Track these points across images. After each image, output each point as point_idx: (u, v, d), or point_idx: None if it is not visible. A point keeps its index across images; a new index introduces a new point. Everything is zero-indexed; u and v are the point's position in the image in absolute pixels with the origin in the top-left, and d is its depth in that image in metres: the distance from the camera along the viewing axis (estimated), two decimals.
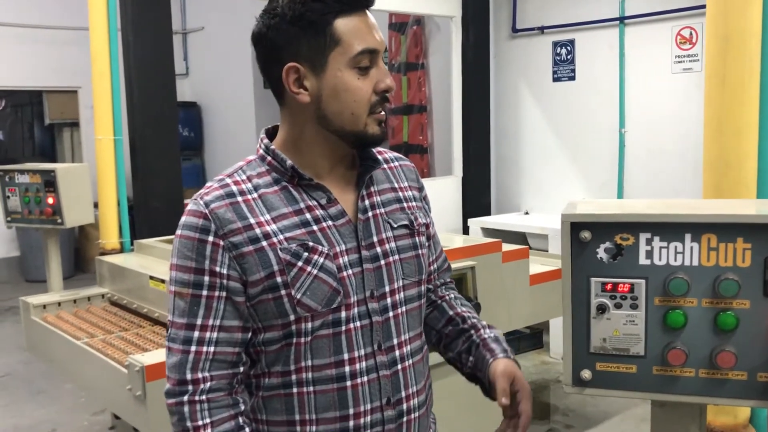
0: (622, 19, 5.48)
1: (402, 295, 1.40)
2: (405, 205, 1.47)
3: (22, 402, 4.84)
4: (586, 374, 1.26)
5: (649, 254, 1.20)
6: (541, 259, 4.09)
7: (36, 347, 3.53)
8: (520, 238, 5.47)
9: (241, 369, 1.35)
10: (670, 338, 1.21)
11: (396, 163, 1.52)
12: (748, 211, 1.19)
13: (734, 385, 1.19)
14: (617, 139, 5.60)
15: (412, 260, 1.42)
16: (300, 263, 1.30)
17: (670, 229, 1.19)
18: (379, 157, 1.46)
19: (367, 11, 1.32)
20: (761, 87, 1.51)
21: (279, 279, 1.29)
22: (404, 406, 1.39)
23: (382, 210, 1.42)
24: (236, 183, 1.35)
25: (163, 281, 3.17)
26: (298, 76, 1.31)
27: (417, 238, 1.45)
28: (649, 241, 1.20)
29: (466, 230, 5.95)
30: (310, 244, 1.31)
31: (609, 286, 1.22)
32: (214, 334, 1.31)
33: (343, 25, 1.28)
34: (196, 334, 1.30)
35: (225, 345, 1.31)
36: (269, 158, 1.37)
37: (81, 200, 3.91)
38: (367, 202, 1.40)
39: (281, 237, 1.30)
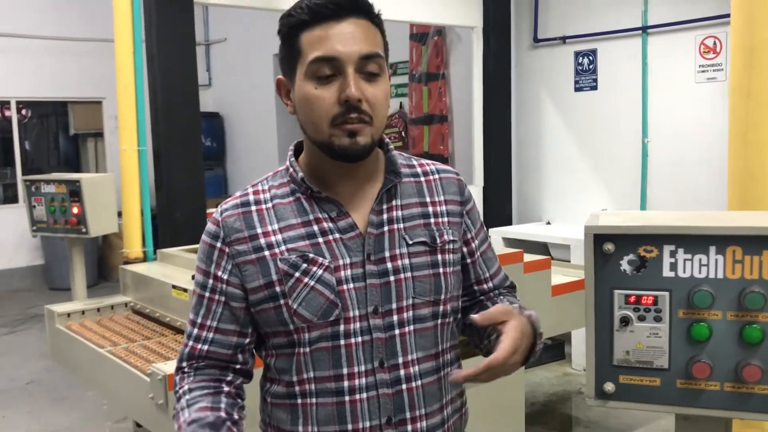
0: (644, 29, 5.45)
1: (411, 313, 1.37)
2: (432, 220, 1.42)
3: (46, 409, 4.89)
4: (609, 387, 1.25)
5: (673, 266, 1.19)
6: (563, 270, 4.07)
7: (60, 355, 3.56)
8: (541, 248, 5.44)
9: (238, 366, 1.41)
10: (694, 351, 1.20)
11: (436, 176, 1.48)
12: None
13: (760, 399, 1.18)
14: (640, 149, 5.57)
15: (427, 279, 1.38)
16: (297, 274, 1.32)
17: (695, 242, 1.18)
18: (408, 170, 1.45)
19: (348, 22, 1.29)
20: None
21: (278, 288, 1.33)
22: (408, 427, 1.36)
23: (401, 225, 1.39)
24: (256, 192, 1.41)
25: (185, 290, 3.19)
26: (288, 88, 1.37)
27: (439, 256, 1.40)
28: (673, 254, 1.19)
29: None
30: (311, 255, 1.32)
31: (632, 299, 1.22)
32: (210, 334, 1.38)
33: (306, 36, 1.30)
34: (196, 331, 1.39)
35: (218, 345, 1.38)
36: (291, 170, 1.40)
37: (105, 210, 3.95)
38: (384, 216, 1.38)
39: (283, 248, 1.33)
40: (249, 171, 9.44)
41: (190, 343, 1.40)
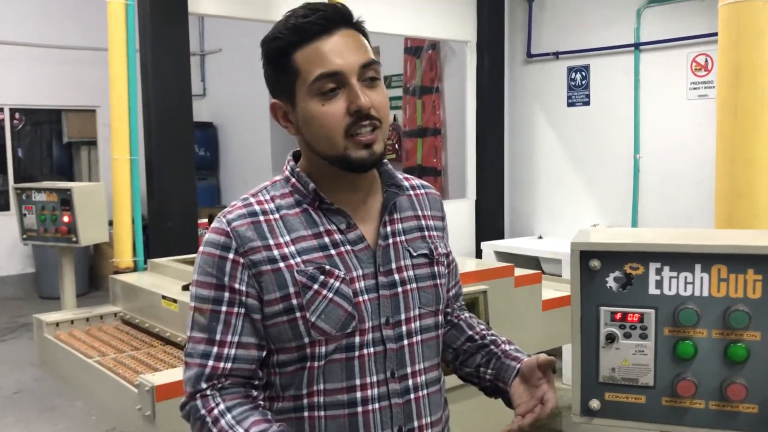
0: (637, 45, 5.49)
1: (418, 323, 1.39)
2: (426, 234, 1.46)
3: (33, 419, 4.86)
4: (594, 404, 1.25)
5: (659, 284, 1.20)
6: (554, 284, 4.07)
7: (48, 364, 3.54)
8: (533, 262, 5.45)
9: (256, 382, 1.36)
10: (679, 369, 1.20)
11: (422, 191, 1.52)
12: (759, 242, 1.18)
13: (745, 417, 1.18)
14: (632, 164, 5.59)
15: (430, 289, 1.42)
16: (316, 286, 1.30)
17: (680, 259, 1.18)
18: (405, 183, 1.48)
19: (339, 35, 1.29)
20: None
21: (294, 301, 1.30)
22: None
23: (403, 237, 1.41)
24: (259, 203, 1.37)
25: (175, 301, 3.18)
26: (285, 111, 1.36)
27: (436, 268, 1.44)
28: (659, 271, 1.19)
29: (479, 254, 5.94)
30: (327, 267, 1.31)
31: (618, 316, 1.22)
32: (232, 351, 1.31)
33: (301, 56, 1.29)
34: (215, 349, 1.31)
35: (242, 362, 1.32)
36: (293, 180, 1.39)
37: (96, 219, 3.94)
38: (389, 228, 1.40)
39: (299, 259, 1.31)
40: (242, 181, 9.44)
41: (210, 362, 1.30)
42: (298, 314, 1.30)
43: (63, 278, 4.05)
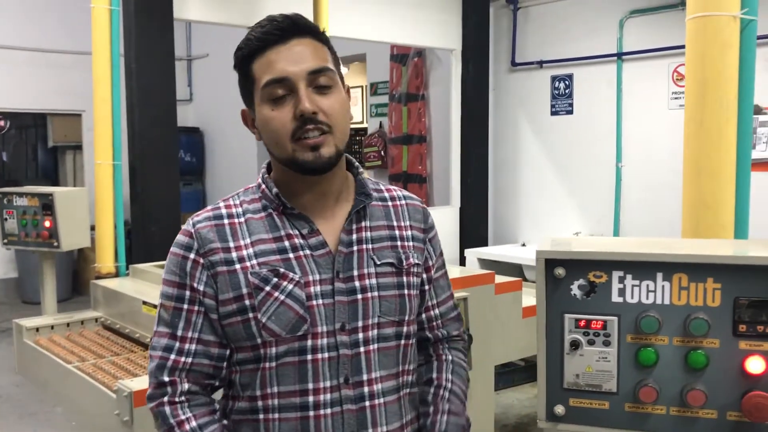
0: (620, 55, 5.55)
1: (376, 332, 1.39)
2: (399, 243, 1.46)
3: (13, 425, 4.82)
4: (559, 410, 1.27)
5: (622, 292, 1.22)
6: (534, 292, 4.09)
7: (27, 370, 3.52)
8: (516, 269, 5.48)
9: (217, 383, 1.42)
10: (641, 375, 1.22)
11: (402, 202, 1.53)
12: (720, 251, 1.21)
13: (705, 423, 1.20)
14: (614, 173, 5.64)
15: (392, 299, 1.41)
16: (268, 288, 1.34)
17: (642, 268, 1.20)
18: (376, 194, 1.49)
19: (293, 43, 1.35)
20: (738, 131, 1.54)
21: (247, 302, 1.34)
22: None
23: (370, 246, 1.42)
24: (228, 207, 1.43)
25: (155, 306, 3.17)
26: (252, 117, 1.42)
27: (405, 278, 1.44)
28: (621, 279, 1.22)
29: (462, 261, 5.96)
30: (281, 270, 1.35)
31: (582, 323, 1.24)
32: (193, 346, 1.38)
33: (257, 64, 1.36)
34: (177, 344, 1.38)
35: (202, 357, 1.38)
36: (263, 186, 1.43)
37: (78, 224, 3.93)
38: (354, 236, 1.41)
39: (254, 261, 1.35)
40: (228, 187, 9.41)
41: (172, 356, 1.37)
42: (250, 315, 1.34)
43: (44, 283, 4.04)
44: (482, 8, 6.20)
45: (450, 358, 1.59)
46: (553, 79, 6.03)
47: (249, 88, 1.39)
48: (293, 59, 1.34)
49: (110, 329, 3.58)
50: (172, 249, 1.41)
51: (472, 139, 6.24)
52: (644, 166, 5.50)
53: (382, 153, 7.44)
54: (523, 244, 6.24)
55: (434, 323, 1.57)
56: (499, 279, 3.51)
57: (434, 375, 1.56)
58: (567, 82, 5.95)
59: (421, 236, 1.51)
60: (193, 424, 1.35)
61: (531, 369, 5.58)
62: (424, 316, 1.56)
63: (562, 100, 5.99)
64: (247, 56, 1.37)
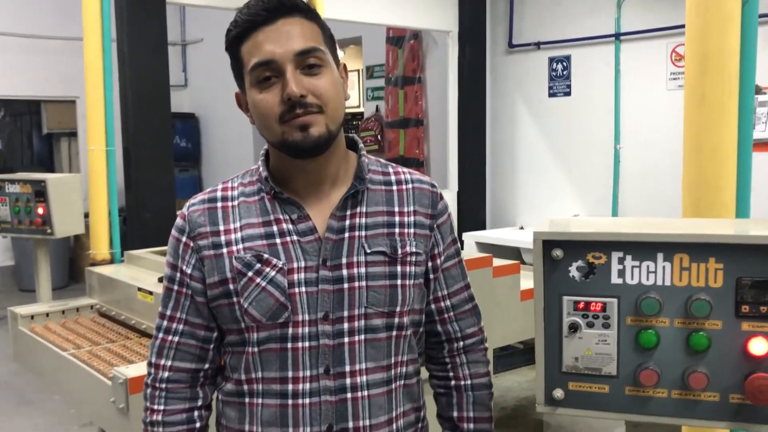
0: (617, 36, 5.50)
1: (362, 323, 1.34)
2: (396, 230, 1.39)
3: (11, 413, 4.82)
4: (558, 393, 1.24)
5: (621, 273, 1.19)
6: (532, 274, 4.08)
7: (23, 358, 3.51)
8: (514, 252, 5.46)
9: (206, 366, 1.42)
10: (642, 358, 1.20)
11: (410, 186, 1.45)
12: (722, 231, 1.18)
13: (707, 406, 1.18)
14: (612, 155, 5.61)
15: (382, 289, 1.35)
16: (250, 273, 1.33)
17: (642, 248, 1.17)
18: (382, 177, 1.43)
19: (280, 23, 1.31)
20: (740, 107, 1.50)
21: (231, 286, 1.34)
22: None
23: (363, 233, 1.37)
24: (225, 189, 1.43)
25: (151, 293, 3.16)
26: (245, 100, 1.39)
27: (399, 267, 1.37)
28: (621, 260, 1.18)
29: (460, 244, 5.94)
30: (265, 256, 1.33)
31: (581, 305, 1.21)
32: (180, 326, 1.40)
33: (245, 47, 1.33)
34: (165, 323, 1.42)
35: (188, 337, 1.40)
36: (260, 169, 1.41)
37: (71, 210, 3.90)
38: (347, 222, 1.36)
39: (240, 246, 1.34)
40: (224, 172, 9.34)
41: (161, 335, 1.42)
42: (234, 299, 1.34)
43: (38, 270, 4.01)
44: None
45: (470, 382, 1.52)
46: (551, 60, 5.98)
47: (239, 70, 1.36)
48: (280, 40, 1.30)
49: (106, 316, 3.56)
50: (172, 231, 1.43)
51: (470, 122, 6.20)
52: (642, 148, 5.47)
53: (379, 137, 7.39)
54: (521, 228, 6.22)
55: (445, 316, 1.50)
56: (497, 262, 3.49)
57: (455, 414, 1.51)
58: (565, 64, 5.90)
59: (427, 222, 1.44)
60: (159, 418, 1.39)
61: (530, 352, 5.57)
62: (433, 307, 1.49)
63: (559, 81, 5.95)
64: (235, 38, 1.34)
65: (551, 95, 6.02)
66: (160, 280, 3.28)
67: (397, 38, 6.93)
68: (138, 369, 2.54)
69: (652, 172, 5.40)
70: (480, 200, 6.32)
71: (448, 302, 1.50)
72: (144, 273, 3.54)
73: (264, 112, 1.31)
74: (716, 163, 1.51)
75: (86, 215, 4.06)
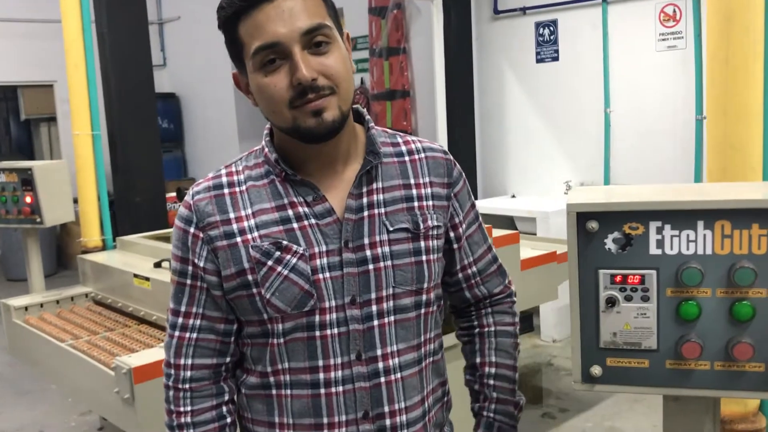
0: None
1: (391, 303, 1.29)
2: (416, 204, 1.34)
3: (8, 404, 4.76)
4: (596, 370, 1.20)
5: (660, 243, 1.14)
6: (531, 243, 4.05)
7: (19, 350, 3.44)
8: (507, 221, 5.43)
9: (228, 359, 1.35)
10: (683, 331, 1.16)
11: (422, 155, 1.39)
12: (761, 195, 1.13)
13: (751, 377, 1.14)
14: (603, 119, 5.56)
15: (408, 267, 1.31)
16: (270, 262, 1.25)
17: (682, 217, 1.13)
18: (392, 149, 1.36)
19: (280, 0, 1.19)
20: (766, 67, 1.45)
21: (250, 277, 1.26)
22: (387, 422, 1.30)
23: (382, 210, 1.30)
24: (230, 174, 1.33)
25: (147, 279, 3.10)
26: (245, 81, 1.29)
27: (422, 243, 1.32)
28: (659, 230, 1.14)
29: None
30: (284, 243, 1.25)
31: (618, 278, 1.16)
32: (197, 321, 1.33)
33: (243, 27, 1.22)
34: (180, 320, 1.34)
35: (207, 332, 1.33)
36: (266, 150, 1.33)
37: (60, 198, 3.81)
38: (364, 200, 1.30)
39: (256, 234, 1.26)
40: (208, 152, 9.27)
41: (177, 333, 1.34)
42: (254, 290, 1.27)
43: (29, 260, 3.93)
44: None
45: (493, 329, 1.49)
46: (537, 25, 5.91)
47: (238, 51, 1.25)
48: (283, 19, 1.19)
49: (101, 304, 3.50)
50: (175, 221, 1.34)
51: (457, 92, 6.13)
52: (633, 112, 5.42)
53: (365, 110, 7.31)
54: (513, 196, 6.18)
55: (472, 281, 1.47)
56: (496, 233, 3.45)
57: (477, 360, 1.49)
58: (551, 28, 5.82)
59: (444, 192, 1.38)
60: (188, 419, 1.33)
61: (527, 320, 5.58)
62: (461, 275, 1.46)
63: (547, 46, 5.88)
64: (231, 17, 1.23)
65: (539, 61, 5.95)
66: (156, 265, 3.23)
67: (379, 8, 6.81)
68: (141, 358, 2.49)
69: (644, 135, 5.37)
70: (471, 170, 6.27)
71: (474, 268, 1.47)
72: (138, 259, 3.48)
73: (272, 98, 1.22)
74: (743, 126, 1.47)
75: (74, 201, 3.97)
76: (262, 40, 1.19)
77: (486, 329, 1.50)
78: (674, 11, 5.09)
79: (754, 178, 1.50)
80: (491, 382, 1.47)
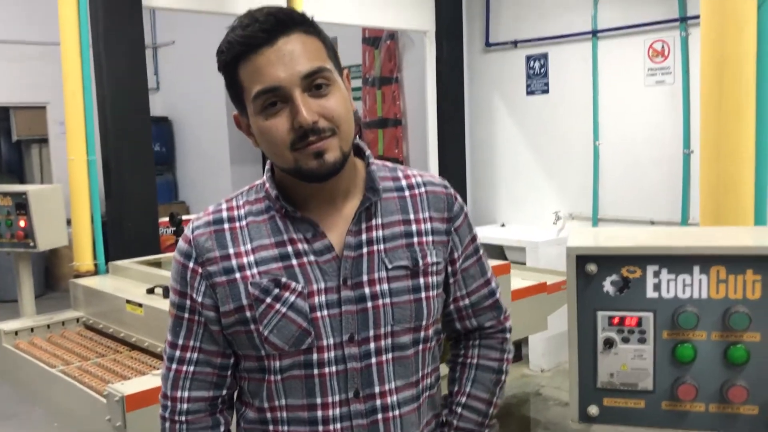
0: (594, 33, 5.51)
1: (389, 341, 1.30)
2: (415, 240, 1.34)
3: None
4: (593, 410, 1.23)
5: (657, 287, 1.18)
6: (521, 273, 4.08)
7: (8, 375, 3.41)
8: (497, 250, 5.47)
9: (225, 392, 1.36)
10: (679, 372, 1.19)
11: (422, 189, 1.40)
12: (758, 242, 1.17)
13: (746, 419, 1.17)
14: (592, 151, 5.63)
15: (407, 305, 1.31)
16: (269, 300, 1.26)
17: (678, 261, 1.16)
18: (392, 183, 1.38)
19: (281, 43, 1.21)
20: (757, 110, 1.50)
21: (248, 314, 1.27)
22: None
23: (381, 246, 1.31)
24: (230, 209, 1.34)
25: (140, 305, 3.10)
26: (246, 122, 1.30)
27: (422, 279, 1.33)
28: (656, 274, 1.17)
29: None
30: (283, 280, 1.26)
31: (616, 320, 1.20)
32: (195, 355, 1.33)
33: (243, 71, 1.24)
34: (178, 353, 1.34)
35: (204, 365, 1.34)
36: (267, 186, 1.34)
37: (54, 223, 3.80)
38: (363, 236, 1.30)
39: (255, 270, 1.27)
40: (199, 176, 9.28)
41: (174, 366, 1.35)
42: (252, 326, 1.28)
43: (21, 284, 3.91)
44: None
45: (475, 362, 1.51)
46: (528, 58, 5.99)
47: (238, 94, 1.27)
48: (283, 63, 1.20)
49: (93, 329, 3.48)
50: (175, 255, 1.35)
51: (449, 121, 6.18)
52: (622, 144, 5.50)
53: (357, 138, 7.36)
54: (503, 225, 6.23)
55: (463, 313, 1.49)
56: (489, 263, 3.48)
57: (454, 388, 1.51)
58: (542, 62, 5.91)
59: (444, 227, 1.38)
60: None
61: (516, 349, 5.60)
62: (452, 307, 1.47)
63: (537, 79, 5.96)
64: (230, 61, 1.24)
65: (529, 93, 6.03)
66: (149, 291, 3.24)
67: (373, 38, 6.90)
68: (134, 385, 2.48)
69: (632, 167, 5.44)
70: (461, 198, 6.31)
71: (467, 301, 1.48)
72: (131, 284, 3.47)
73: (274, 141, 1.23)
74: (735, 168, 1.51)
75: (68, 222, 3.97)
76: (263, 84, 1.21)
77: (468, 360, 1.52)
78: (663, 47, 5.19)
79: (745, 219, 1.54)
80: (458, 410, 1.48)
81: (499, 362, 1.52)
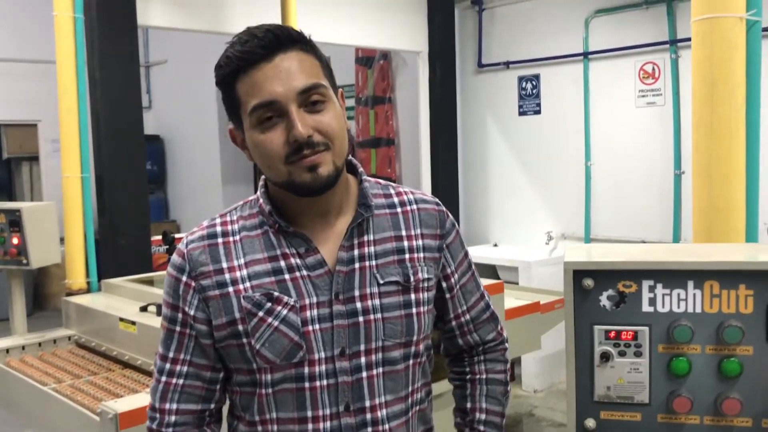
0: (586, 54, 5.59)
1: (380, 356, 1.32)
2: (407, 256, 1.36)
3: None
4: (590, 423, 1.25)
5: (652, 301, 1.20)
6: (515, 293, 4.09)
7: None
8: (490, 270, 5.48)
9: (213, 406, 1.37)
10: (674, 386, 1.20)
11: (414, 206, 1.42)
12: (750, 257, 1.20)
13: (739, 431, 1.19)
14: (584, 171, 5.67)
15: (398, 320, 1.33)
16: (261, 313, 1.28)
17: (673, 276, 1.19)
18: (384, 200, 1.40)
19: (278, 59, 1.25)
20: (747, 132, 1.54)
21: (240, 327, 1.29)
22: None
23: (373, 262, 1.33)
24: (224, 224, 1.36)
25: (133, 323, 3.09)
26: (241, 137, 1.33)
27: (413, 295, 1.35)
28: (651, 288, 1.20)
29: None
30: (275, 294, 1.28)
31: (612, 334, 1.22)
32: (184, 368, 1.35)
33: (240, 86, 1.27)
34: (168, 365, 1.36)
35: (194, 378, 1.35)
36: (260, 201, 1.36)
37: (47, 240, 3.79)
38: (355, 252, 1.33)
39: (248, 284, 1.29)
40: (191, 194, 9.29)
41: (164, 378, 1.36)
42: (244, 340, 1.29)
43: (12, 302, 3.89)
44: (447, 10, 6.19)
45: (485, 377, 1.54)
46: (520, 79, 6.05)
47: (234, 108, 1.30)
48: (280, 78, 1.23)
49: (85, 347, 3.47)
50: (168, 268, 1.37)
51: (441, 141, 6.23)
52: (613, 164, 5.55)
53: (350, 157, 7.39)
54: (495, 245, 6.25)
55: (465, 329, 1.52)
56: (482, 283, 3.49)
57: (468, 405, 1.53)
58: (534, 83, 5.97)
59: (435, 244, 1.41)
60: None
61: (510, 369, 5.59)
62: (454, 323, 1.50)
63: (529, 100, 6.02)
64: (228, 75, 1.27)
65: (521, 114, 6.09)
66: (142, 309, 3.23)
67: (366, 58, 6.95)
68: (127, 403, 2.48)
69: (624, 188, 5.49)
70: (453, 218, 6.34)
71: (467, 316, 1.51)
72: (123, 302, 3.47)
73: (268, 154, 1.26)
74: (727, 189, 1.54)
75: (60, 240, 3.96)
76: (260, 98, 1.24)
77: (477, 376, 1.54)
78: (653, 69, 5.25)
79: (737, 238, 1.57)
80: (481, 428, 1.51)
81: (504, 374, 1.57)
